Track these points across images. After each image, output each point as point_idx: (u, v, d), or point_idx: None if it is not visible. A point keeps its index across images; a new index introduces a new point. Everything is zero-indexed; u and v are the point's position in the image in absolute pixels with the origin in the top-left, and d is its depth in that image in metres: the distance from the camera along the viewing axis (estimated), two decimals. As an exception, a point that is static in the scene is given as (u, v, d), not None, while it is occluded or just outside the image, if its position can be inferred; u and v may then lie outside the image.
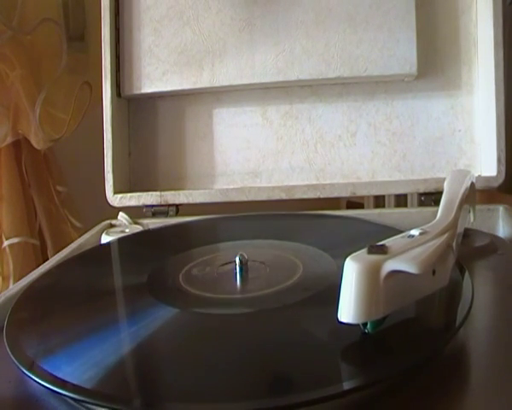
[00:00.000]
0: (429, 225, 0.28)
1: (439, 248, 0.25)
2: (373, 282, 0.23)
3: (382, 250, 0.24)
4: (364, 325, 0.24)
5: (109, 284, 0.36)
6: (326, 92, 0.56)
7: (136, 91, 0.56)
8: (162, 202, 0.55)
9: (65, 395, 0.22)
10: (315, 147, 0.56)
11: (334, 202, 0.59)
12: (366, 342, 0.24)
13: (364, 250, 0.24)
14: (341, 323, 0.23)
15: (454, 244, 0.28)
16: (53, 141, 0.64)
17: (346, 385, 0.21)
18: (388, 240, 0.25)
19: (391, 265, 0.23)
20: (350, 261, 0.23)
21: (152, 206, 0.55)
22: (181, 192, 0.55)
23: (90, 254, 0.43)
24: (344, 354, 0.24)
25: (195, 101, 0.58)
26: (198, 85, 0.55)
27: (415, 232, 0.26)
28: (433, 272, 0.25)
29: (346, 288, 0.23)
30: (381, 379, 0.21)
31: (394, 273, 0.23)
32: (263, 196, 0.54)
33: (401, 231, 0.27)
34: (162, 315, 0.29)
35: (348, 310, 0.23)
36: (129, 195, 0.55)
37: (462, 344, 0.25)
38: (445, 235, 0.26)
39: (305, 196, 0.53)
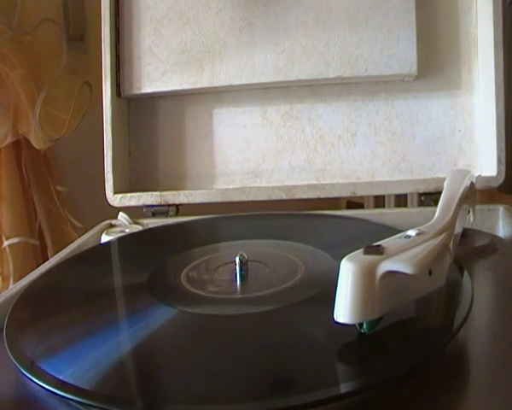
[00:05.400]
0: (426, 225, 0.28)
1: (435, 248, 0.25)
2: (369, 282, 0.23)
3: (378, 251, 0.24)
4: (360, 325, 0.24)
5: (109, 283, 0.36)
6: (326, 92, 0.56)
7: (136, 91, 0.56)
8: (162, 202, 0.55)
9: (64, 397, 0.22)
10: (315, 147, 0.56)
11: (334, 202, 0.59)
12: (371, 343, 0.24)
13: (360, 251, 0.24)
14: (337, 323, 0.23)
15: (451, 244, 0.28)
16: (53, 141, 0.64)
17: (347, 388, 0.21)
18: (385, 240, 0.25)
19: (386, 265, 0.23)
20: (346, 262, 0.23)
21: (152, 206, 0.55)
22: (181, 192, 0.55)
23: (90, 254, 0.43)
24: (344, 355, 0.24)
25: (195, 101, 0.58)
26: (198, 85, 0.55)
27: (411, 233, 0.26)
28: (430, 273, 0.25)
29: (341, 288, 0.23)
30: (380, 382, 0.21)
31: (390, 274, 0.23)
32: (263, 196, 0.54)
33: (401, 232, 0.27)
34: (163, 315, 0.29)
35: (344, 310, 0.23)
36: (129, 195, 0.55)
37: (462, 344, 0.25)
38: (442, 235, 0.26)
39: (305, 196, 0.53)
